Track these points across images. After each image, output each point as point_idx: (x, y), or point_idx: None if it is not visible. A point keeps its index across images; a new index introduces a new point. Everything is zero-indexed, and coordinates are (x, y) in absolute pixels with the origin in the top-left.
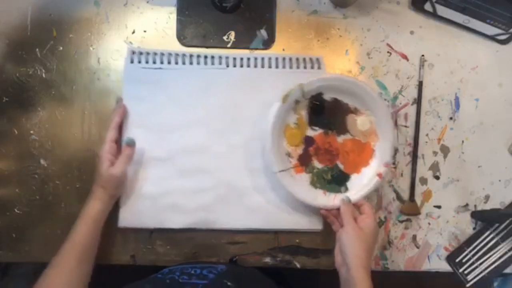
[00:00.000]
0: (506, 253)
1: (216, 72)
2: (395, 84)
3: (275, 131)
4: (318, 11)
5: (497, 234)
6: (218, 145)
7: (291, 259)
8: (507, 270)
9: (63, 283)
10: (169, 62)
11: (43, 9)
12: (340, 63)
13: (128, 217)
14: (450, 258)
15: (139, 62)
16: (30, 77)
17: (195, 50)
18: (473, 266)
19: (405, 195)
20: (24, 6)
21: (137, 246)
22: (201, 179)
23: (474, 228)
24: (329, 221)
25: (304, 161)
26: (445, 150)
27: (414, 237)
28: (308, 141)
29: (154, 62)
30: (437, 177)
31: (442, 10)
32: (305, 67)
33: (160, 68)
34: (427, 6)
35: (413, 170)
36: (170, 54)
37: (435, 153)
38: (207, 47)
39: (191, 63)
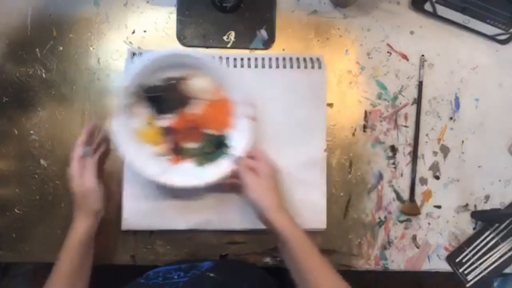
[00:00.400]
0: (506, 253)
1: None
2: (395, 84)
3: (127, 146)
4: (318, 11)
5: (497, 234)
6: None
7: None
8: (507, 270)
9: None
10: None
11: (43, 9)
12: (340, 63)
13: (131, 220)
14: (450, 258)
15: None
16: (30, 77)
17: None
18: (473, 266)
19: (405, 195)
20: (24, 6)
21: (137, 246)
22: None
23: (474, 228)
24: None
25: (177, 151)
26: (445, 150)
27: (414, 237)
28: (168, 131)
29: None
30: (437, 177)
31: (442, 10)
32: (305, 67)
33: None
34: (427, 6)
35: (413, 170)
36: None
37: (435, 153)
38: (207, 47)
39: None
